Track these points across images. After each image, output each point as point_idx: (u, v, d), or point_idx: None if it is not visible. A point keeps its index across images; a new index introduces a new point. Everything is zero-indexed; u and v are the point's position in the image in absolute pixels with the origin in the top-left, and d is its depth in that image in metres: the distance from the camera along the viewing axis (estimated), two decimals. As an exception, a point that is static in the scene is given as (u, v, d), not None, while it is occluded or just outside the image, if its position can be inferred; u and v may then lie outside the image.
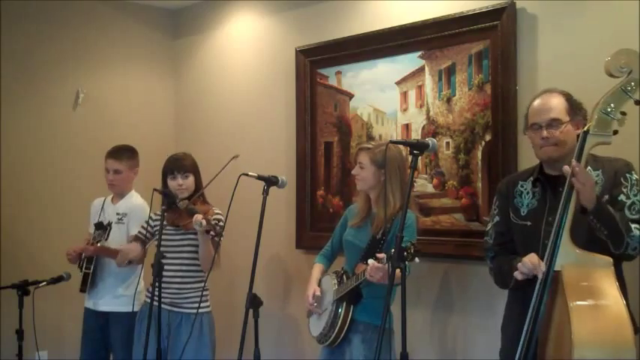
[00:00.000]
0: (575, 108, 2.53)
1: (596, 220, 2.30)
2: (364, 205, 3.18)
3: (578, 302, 2.17)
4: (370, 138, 3.77)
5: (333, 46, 4.01)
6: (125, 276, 3.75)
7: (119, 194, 3.86)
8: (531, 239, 2.53)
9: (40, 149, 4.58)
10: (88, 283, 3.71)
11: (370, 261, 2.81)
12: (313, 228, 4.14)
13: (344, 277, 3.11)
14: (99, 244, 3.62)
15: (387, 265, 2.67)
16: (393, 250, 2.49)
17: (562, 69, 3.05)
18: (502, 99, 3.23)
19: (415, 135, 3.61)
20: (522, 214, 2.60)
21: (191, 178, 3.48)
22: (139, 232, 3.58)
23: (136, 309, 3.59)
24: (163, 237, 3.22)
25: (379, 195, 3.07)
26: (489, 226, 2.75)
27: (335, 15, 4.07)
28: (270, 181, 3.00)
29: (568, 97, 2.55)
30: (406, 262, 2.40)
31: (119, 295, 3.74)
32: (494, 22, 3.25)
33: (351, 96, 3.95)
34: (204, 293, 3.40)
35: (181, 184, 3.43)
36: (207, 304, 3.47)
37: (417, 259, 2.43)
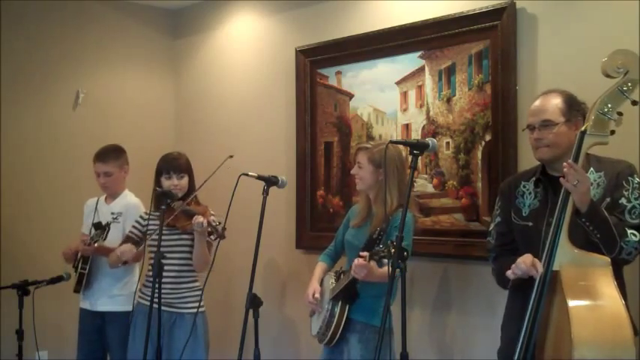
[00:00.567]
0: (573, 109, 2.52)
1: (588, 223, 2.30)
2: (365, 205, 3.19)
3: (577, 302, 2.17)
4: (370, 138, 3.77)
5: (333, 46, 4.01)
6: (121, 276, 3.75)
7: (113, 194, 3.86)
8: (532, 240, 2.52)
9: (40, 149, 4.58)
10: (82, 284, 3.71)
11: (356, 259, 2.81)
12: (313, 228, 4.14)
13: (341, 275, 3.12)
14: (96, 244, 3.61)
15: (370, 262, 2.69)
16: (378, 248, 2.50)
17: (562, 69, 3.05)
18: (502, 99, 3.23)
19: (415, 135, 3.61)
20: (524, 214, 2.60)
21: (185, 179, 3.48)
22: (131, 232, 3.56)
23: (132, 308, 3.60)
24: (157, 237, 3.22)
25: (378, 194, 3.08)
26: (491, 226, 2.75)
27: (335, 15, 4.07)
28: (270, 181, 3.00)
29: (567, 98, 2.54)
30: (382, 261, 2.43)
31: (115, 295, 3.73)
32: (495, 22, 3.25)
33: (351, 96, 3.95)
34: (199, 293, 3.40)
35: (176, 185, 3.42)
36: (202, 303, 3.47)
37: (384, 261, 2.44)
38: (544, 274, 2.27)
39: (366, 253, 2.72)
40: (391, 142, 2.66)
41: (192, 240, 3.38)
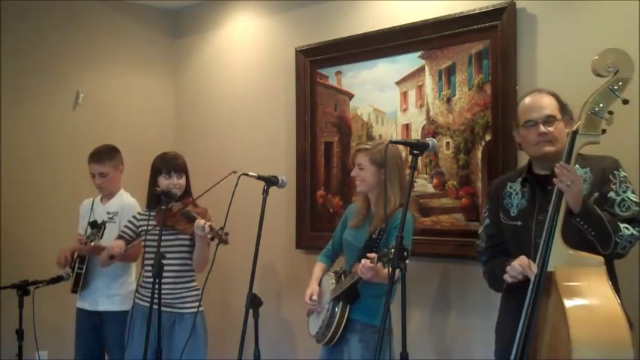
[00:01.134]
0: (565, 108, 2.57)
1: (583, 222, 2.31)
2: (363, 206, 3.19)
3: (574, 303, 2.18)
4: (370, 138, 3.77)
5: (333, 46, 4.01)
6: (118, 275, 3.75)
7: (108, 194, 3.86)
8: (523, 239, 2.54)
9: (40, 149, 4.58)
10: (80, 284, 3.70)
11: (363, 260, 2.81)
12: (313, 228, 4.13)
13: (342, 276, 3.11)
14: (92, 243, 3.60)
15: (377, 264, 2.69)
16: (386, 250, 2.50)
17: (562, 69, 3.05)
18: (502, 99, 3.23)
19: (415, 135, 3.61)
20: (512, 214, 2.61)
21: (184, 179, 3.48)
22: (123, 231, 3.55)
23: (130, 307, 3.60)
24: (154, 237, 3.21)
25: (379, 195, 3.07)
26: (480, 229, 2.77)
27: (335, 15, 4.07)
28: (270, 181, 3.00)
29: (557, 97, 2.58)
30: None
31: (113, 295, 3.73)
32: (494, 22, 3.25)
33: (351, 96, 3.95)
34: (197, 293, 3.40)
35: (176, 184, 3.41)
36: (201, 303, 3.46)
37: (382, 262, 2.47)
38: (538, 275, 2.28)
39: (373, 255, 2.71)
40: (391, 142, 2.66)
41: (190, 240, 3.38)
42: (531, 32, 3.17)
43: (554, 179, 2.29)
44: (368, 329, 3.03)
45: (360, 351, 3.02)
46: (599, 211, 2.33)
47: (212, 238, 3.23)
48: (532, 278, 2.30)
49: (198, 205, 3.50)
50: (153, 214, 3.35)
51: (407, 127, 3.66)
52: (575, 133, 2.32)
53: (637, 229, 2.38)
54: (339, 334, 3.07)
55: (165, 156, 3.50)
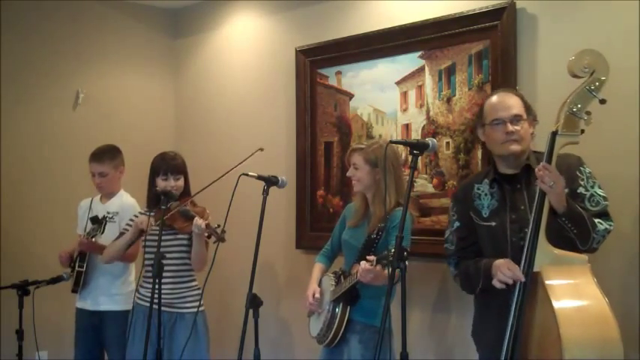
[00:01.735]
0: (528, 108, 2.61)
1: (567, 221, 2.33)
2: (361, 205, 3.19)
3: (562, 302, 2.19)
4: (370, 138, 3.77)
5: (333, 46, 4.01)
6: (118, 274, 3.75)
7: (108, 194, 3.86)
8: (498, 239, 2.56)
9: (40, 149, 4.58)
10: (80, 283, 3.70)
11: (362, 263, 2.82)
12: (313, 228, 4.14)
13: (341, 277, 3.11)
14: (94, 239, 3.60)
15: (376, 266, 2.70)
16: (386, 252, 2.51)
17: (562, 69, 3.02)
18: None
19: (415, 135, 3.61)
20: (485, 215, 2.62)
21: (181, 180, 3.47)
22: (125, 229, 3.55)
23: (131, 307, 3.60)
24: (153, 237, 3.21)
25: (376, 194, 3.08)
26: (448, 233, 2.78)
27: (335, 15, 4.07)
28: (270, 181, 3.00)
29: (522, 97, 2.62)
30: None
31: (114, 294, 3.73)
32: (494, 22, 3.25)
33: (351, 96, 3.95)
34: (198, 292, 3.40)
35: (173, 186, 3.40)
36: (201, 302, 3.46)
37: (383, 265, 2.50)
38: (525, 276, 2.29)
39: (373, 258, 2.72)
40: (391, 141, 2.66)
41: (189, 239, 3.38)
42: (531, 32, 3.17)
43: (538, 181, 2.30)
44: (368, 330, 3.03)
45: (360, 351, 3.02)
46: (579, 209, 2.37)
47: (209, 236, 3.24)
48: (522, 280, 2.31)
49: (197, 204, 3.50)
50: (152, 213, 3.36)
51: (407, 127, 3.66)
52: (554, 134, 2.34)
53: (608, 222, 2.44)
54: (340, 335, 3.07)
55: (163, 157, 3.49)
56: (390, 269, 2.32)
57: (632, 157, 2.82)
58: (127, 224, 3.56)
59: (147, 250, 3.40)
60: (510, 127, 2.54)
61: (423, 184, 3.57)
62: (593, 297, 2.21)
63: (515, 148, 2.55)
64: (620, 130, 2.84)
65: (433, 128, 3.53)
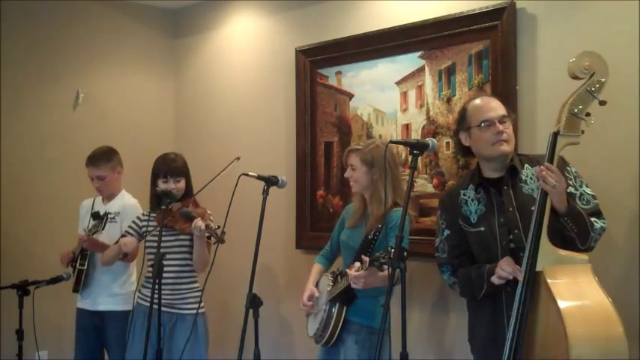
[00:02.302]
0: (507, 110, 2.62)
1: (569, 221, 2.34)
2: (360, 206, 3.19)
3: (567, 302, 2.19)
4: (370, 138, 3.77)
5: (333, 46, 4.01)
6: (119, 273, 3.75)
7: (109, 196, 3.85)
8: (489, 243, 2.55)
9: (40, 149, 4.58)
10: (81, 282, 3.70)
11: (348, 271, 2.82)
12: (313, 228, 4.14)
13: (339, 277, 3.12)
14: (95, 235, 3.60)
15: (364, 269, 2.71)
16: (378, 254, 2.51)
17: (562, 69, 3.02)
18: (502, 99, 3.22)
19: (415, 135, 3.61)
20: (473, 221, 2.62)
21: (182, 182, 3.46)
22: (127, 231, 3.55)
23: (132, 307, 3.60)
24: (154, 238, 3.21)
25: (373, 194, 3.08)
26: (438, 241, 2.76)
27: (335, 15, 4.07)
28: (270, 181, 3.00)
29: (500, 100, 2.66)
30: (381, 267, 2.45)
31: (115, 294, 3.73)
32: (494, 22, 3.25)
33: (351, 96, 3.95)
34: (199, 294, 3.40)
35: (173, 189, 3.39)
36: (202, 304, 3.46)
37: (385, 266, 2.48)
38: (527, 276, 2.29)
39: (366, 259, 2.72)
40: (391, 142, 2.67)
41: (191, 240, 3.38)
42: (531, 32, 3.17)
43: (540, 181, 2.30)
44: (364, 330, 3.04)
45: (356, 352, 3.02)
46: (579, 208, 2.38)
47: (209, 237, 3.24)
48: (520, 279, 2.31)
49: (199, 205, 3.50)
50: (154, 215, 3.36)
51: (407, 127, 3.66)
52: (556, 135, 2.35)
53: (602, 220, 2.45)
54: (336, 335, 3.07)
55: (164, 158, 3.49)
56: (390, 269, 2.31)
57: (632, 158, 2.82)
58: (130, 226, 3.56)
59: (148, 250, 3.41)
60: (500, 127, 2.55)
61: (423, 184, 3.57)
62: (597, 296, 2.22)
63: (505, 148, 2.55)
64: (620, 130, 2.84)
65: (433, 128, 3.53)
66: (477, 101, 2.64)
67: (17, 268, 4.19)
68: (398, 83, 3.70)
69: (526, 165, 2.57)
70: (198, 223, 3.18)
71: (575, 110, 2.32)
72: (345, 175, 3.18)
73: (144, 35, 5.11)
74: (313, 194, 4.13)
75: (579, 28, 3.02)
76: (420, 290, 3.53)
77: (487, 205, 2.59)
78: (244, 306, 2.83)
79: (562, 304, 2.18)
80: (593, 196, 2.49)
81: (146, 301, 3.32)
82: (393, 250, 2.30)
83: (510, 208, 2.51)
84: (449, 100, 3.47)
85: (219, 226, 3.16)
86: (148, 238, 3.45)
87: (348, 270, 2.88)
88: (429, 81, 3.56)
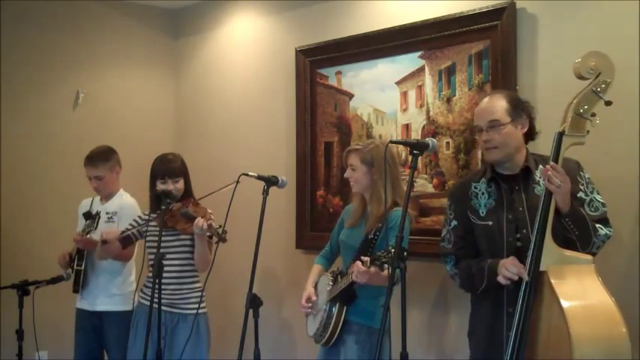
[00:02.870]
0: (517, 108, 2.57)
1: (570, 222, 2.34)
2: (359, 206, 3.19)
3: (571, 302, 2.20)
4: (370, 138, 3.77)
5: (333, 46, 4.01)
6: (117, 273, 3.75)
7: (107, 195, 3.85)
8: (495, 238, 2.56)
9: (40, 149, 4.58)
10: (80, 282, 3.70)
11: (357, 263, 2.82)
12: (313, 228, 4.13)
13: (338, 277, 3.11)
14: (88, 235, 3.60)
15: (370, 268, 2.70)
16: (379, 253, 2.51)
17: (562, 69, 3.04)
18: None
19: (415, 135, 3.61)
20: (482, 214, 2.62)
21: (181, 182, 3.45)
22: (127, 229, 3.55)
23: (131, 308, 3.60)
24: (155, 238, 3.21)
25: (373, 194, 3.08)
26: (445, 231, 2.76)
27: (335, 15, 4.07)
28: (270, 181, 3.00)
29: (511, 99, 2.60)
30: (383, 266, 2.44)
31: (113, 294, 3.73)
32: (494, 22, 3.25)
33: (351, 96, 3.95)
34: (200, 293, 3.40)
35: (172, 189, 3.39)
36: (204, 304, 3.47)
37: (386, 266, 2.48)
38: (531, 276, 2.29)
39: (367, 258, 2.72)
40: (391, 142, 2.67)
41: (192, 240, 3.38)
42: (531, 32, 3.17)
43: (545, 180, 2.31)
44: (364, 330, 3.04)
45: (356, 352, 3.02)
46: (582, 211, 2.38)
47: (210, 237, 3.24)
48: (526, 279, 2.31)
49: (200, 204, 3.50)
50: (154, 215, 3.36)
51: (407, 127, 3.66)
52: (561, 135, 2.35)
53: (608, 228, 2.45)
54: (336, 335, 3.07)
55: (162, 159, 3.48)
56: (390, 269, 2.31)
57: (632, 158, 2.82)
58: (130, 224, 3.55)
59: (150, 250, 3.41)
60: (485, 136, 2.56)
61: (423, 184, 3.57)
62: (600, 296, 2.22)
63: (491, 156, 2.57)
64: (620, 130, 2.84)
65: (433, 128, 3.53)
66: (480, 104, 2.66)
67: (17, 268, 4.19)
68: (398, 83, 3.70)
69: (540, 166, 2.53)
70: (200, 222, 3.18)
71: (581, 110, 2.32)
72: (345, 175, 3.18)
73: (144, 35, 5.11)
74: (313, 194, 4.13)
75: (579, 28, 3.02)
76: (420, 290, 3.53)
77: (497, 200, 2.59)
78: (244, 306, 2.83)
79: (565, 304, 2.18)
80: (602, 203, 2.48)
81: (148, 300, 3.32)
82: (393, 250, 2.30)
83: (520, 208, 2.52)
84: (449, 100, 3.47)
85: (220, 225, 3.16)
86: (149, 238, 3.45)
87: (356, 263, 2.85)
88: (429, 81, 3.56)
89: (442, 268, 3.48)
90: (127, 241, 3.51)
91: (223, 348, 4.05)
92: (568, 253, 2.31)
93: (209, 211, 3.42)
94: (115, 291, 3.74)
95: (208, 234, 3.23)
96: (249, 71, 4.65)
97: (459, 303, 3.43)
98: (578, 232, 2.36)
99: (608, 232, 2.44)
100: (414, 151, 2.40)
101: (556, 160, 2.33)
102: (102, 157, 3.77)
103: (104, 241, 3.47)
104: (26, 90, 4.54)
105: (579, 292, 2.23)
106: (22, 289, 3.56)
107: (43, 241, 4.42)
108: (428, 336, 3.58)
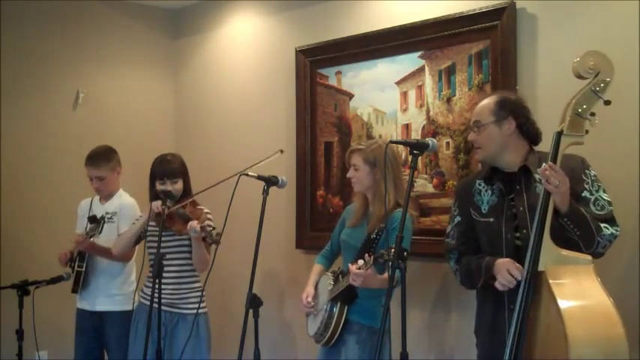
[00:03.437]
0: (502, 109, 2.56)
1: (570, 222, 2.33)
2: (361, 205, 3.19)
3: (568, 302, 2.19)
4: (370, 138, 3.77)
5: (333, 46, 4.01)
6: (118, 274, 3.74)
7: (107, 195, 3.85)
8: (494, 235, 2.57)
9: (40, 149, 4.58)
10: (80, 283, 3.69)
11: (352, 266, 2.82)
12: (313, 228, 4.13)
13: (339, 277, 3.11)
14: (92, 239, 3.60)
15: (367, 269, 2.71)
16: (380, 253, 2.51)
17: (562, 69, 3.03)
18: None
19: (415, 135, 3.61)
20: (484, 211, 2.63)
21: (180, 183, 3.45)
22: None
23: (131, 307, 3.60)
24: (155, 238, 3.21)
25: (375, 194, 3.08)
26: (449, 227, 2.78)
27: (335, 15, 4.07)
28: (270, 181, 3.00)
29: (500, 98, 2.60)
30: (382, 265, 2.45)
31: (114, 295, 3.73)
32: (494, 22, 3.25)
33: (351, 96, 3.95)
34: (200, 293, 3.40)
35: (170, 190, 3.39)
36: (204, 304, 3.47)
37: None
38: (529, 276, 2.29)
39: (362, 262, 2.74)
40: (391, 142, 2.67)
41: (190, 240, 3.38)
42: (531, 32, 3.17)
43: (543, 180, 2.30)
44: (365, 330, 3.04)
45: (357, 352, 3.02)
46: (583, 211, 2.37)
47: (204, 238, 3.23)
48: (522, 279, 2.31)
49: (199, 205, 3.49)
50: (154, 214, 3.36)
51: (407, 127, 3.66)
52: (560, 134, 2.34)
53: (615, 228, 2.43)
54: (337, 335, 3.07)
55: (161, 160, 3.48)
56: (389, 268, 2.31)
57: (632, 158, 2.82)
58: (133, 224, 3.55)
59: (150, 250, 3.40)
60: (470, 136, 2.63)
61: (423, 184, 3.57)
62: (598, 296, 2.22)
63: (477, 156, 2.66)
64: (620, 130, 2.84)
65: (433, 128, 3.53)
66: None
67: (17, 268, 4.19)
68: (398, 83, 3.70)
69: (544, 165, 2.52)
70: (193, 224, 3.18)
71: (579, 110, 2.32)
72: (348, 175, 3.18)
73: (144, 35, 5.11)
74: (313, 194, 4.13)
75: (579, 28, 3.02)
76: (420, 290, 3.53)
77: (499, 197, 2.60)
78: (244, 306, 2.83)
79: (563, 304, 2.18)
80: (609, 202, 2.46)
81: (148, 300, 3.32)
82: (394, 250, 2.30)
83: (521, 207, 2.52)
84: (449, 100, 3.47)
85: (214, 228, 3.15)
86: (149, 238, 3.45)
87: (350, 265, 2.87)
88: (429, 81, 3.56)
89: (442, 268, 3.51)
90: (136, 241, 3.52)
91: (223, 348, 4.04)
92: (566, 253, 2.31)
93: (206, 211, 3.42)
94: (115, 291, 3.74)
95: (203, 235, 3.22)
96: (249, 71, 4.65)
97: (459, 303, 3.43)
98: (580, 232, 2.35)
99: (614, 232, 2.41)
100: (414, 151, 2.41)
101: (554, 160, 2.32)
102: (104, 158, 3.77)
103: (158, 214, 3.43)
104: (26, 90, 4.54)
105: (577, 292, 2.23)
106: (22, 289, 3.56)
107: (43, 241, 4.42)
108: (428, 336, 3.58)
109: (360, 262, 2.80)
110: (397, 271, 2.29)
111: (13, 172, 4.45)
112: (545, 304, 2.25)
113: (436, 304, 3.55)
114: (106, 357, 3.84)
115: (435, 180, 3.52)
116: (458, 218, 2.73)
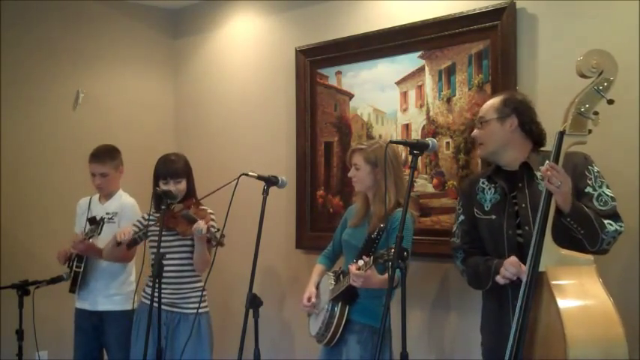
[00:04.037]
0: (506, 106, 2.58)
1: (573, 222, 2.33)
2: (362, 205, 3.19)
3: (568, 303, 2.19)
4: (370, 138, 3.77)
5: (333, 46, 4.01)
6: (117, 274, 3.74)
7: (107, 195, 3.85)
8: (496, 232, 2.58)
9: (40, 149, 4.58)
10: (77, 283, 3.69)
11: (352, 267, 2.82)
12: (313, 228, 4.13)
13: (341, 276, 3.11)
14: (91, 240, 3.60)
15: (367, 270, 2.71)
16: (381, 252, 2.51)
17: (562, 69, 3.05)
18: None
19: (415, 135, 3.61)
20: (486, 208, 2.64)
21: (183, 183, 3.45)
22: (133, 230, 3.55)
23: (131, 307, 3.59)
24: (156, 238, 3.21)
25: (376, 194, 3.08)
26: (455, 226, 2.79)
27: (335, 15, 4.07)
28: (270, 181, 3.00)
29: (504, 98, 2.62)
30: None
31: (113, 294, 3.73)
32: (495, 22, 3.25)
33: (351, 96, 3.95)
34: (201, 293, 3.40)
35: (172, 190, 3.38)
36: (205, 304, 3.47)
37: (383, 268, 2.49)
38: (530, 276, 2.29)
39: (362, 263, 2.73)
40: (391, 142, 2.67)
41: (192, 240, 3.38)
42: (531, 32, 3.17)
43: (544, 181, 2.30)
44: (366, 330, 3.04)
45: (358, 352, 3.02)
46: (586, 210, 2.36)
47: (209, 240, 3.24)
48: (523, 279, 2.31)
49: (202, 205, 3.49)
50: (157, 215, 3.36)
51: (407, 127, 3.66)
52: (562, 134, 2.34)
53: (619, 224, 2.43)
54: (338, 335, 3.07)
55: (165, 160, 3.48)
56: (389, 268, 2.31)
57: (632, 157, 2.82)
58: (135, 224, 3.55)
59: (151, 250, 3.41)
60: (474, 132, 2.67)
61: (423, 184, 3.57)
62: (599, 297, 2.21)
63: (478, 152, 2.70)
64: (620, 129, 2.84)
65: (433, 128, 3.53)
66: None
67: (17, 268, 4.19)
68: (398, 83, 3.70)
69: (547, 162, 2.49)
70: (200, 225, 3.19)
71: (582, 109, 2.31)
72: (349, 174, 3.18)
73: (144, 35, 5.11)
74: (313, 194, 4.13)
75: (579, 28, 3.02)
76: (420, 290, 3.53)
77: (501, 195, 2.61)
78: (244, 306, 2.83)
79: (562, 304, 2.18)
80: (612, 197, 2.45)
81: (149, 299, 3.32)
82: (385, 253, 2.31)
83: (523, 204, 2.52)
84: (449, 100, 3.47)
85: (218, 229, 3.16)
86: (150, 238, 3.45)
87: (350, 266, 2.87)
88: (429, 81, 3.56)
89: (442, 268, 3.51)
90: (133, 243, 3.51)
91: (223, 348, 4.04)
92: (568, 253, 2.30)
93: (210, 212, 3.42)
94: (115, 291, 3.74)
95: (208, 236, 3.23)
96: (249, 71, 4.65)
97: (459, 303, 3.43)
98: (584, 230, 2.34)
99: (618, 228, 2.41)
100: (414, 151, 2.41)
101: (556, 160, 2.32)
102: (109, 155, 3.78)
103: (119, 243, 3.47)
104: (26, 90, 4.54)
105: (577, 292, 2.23)
106: (22, 289, 3.55)
107: (43, 241, 4.42)
108: (428, 336, 3.58)
109: (360, 262, 2.80)
110: (398, 271, 2.29)
111: (13, 172, 4.45)
112: (546, 304, 2.25)
113: (436, 304, 3.55)
114: (105, 357, 3.84)
115: (435, 180, 3.52)
116: (462, 217, 2.74)
